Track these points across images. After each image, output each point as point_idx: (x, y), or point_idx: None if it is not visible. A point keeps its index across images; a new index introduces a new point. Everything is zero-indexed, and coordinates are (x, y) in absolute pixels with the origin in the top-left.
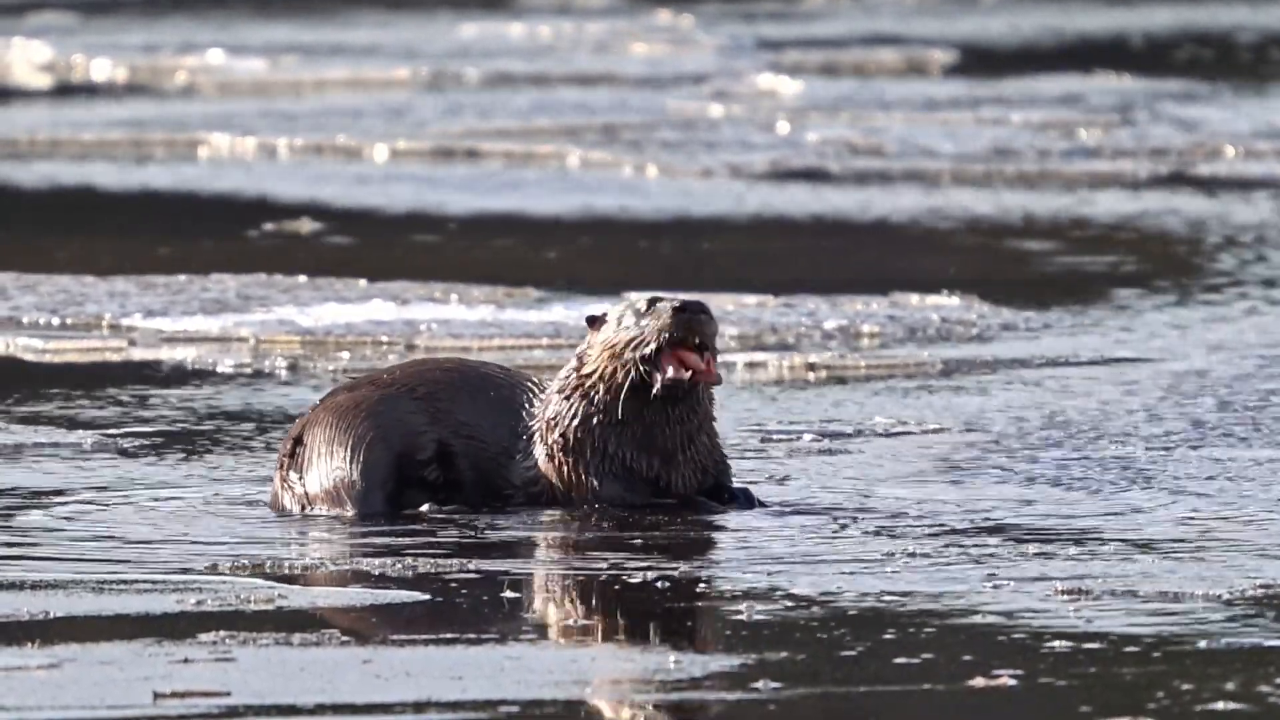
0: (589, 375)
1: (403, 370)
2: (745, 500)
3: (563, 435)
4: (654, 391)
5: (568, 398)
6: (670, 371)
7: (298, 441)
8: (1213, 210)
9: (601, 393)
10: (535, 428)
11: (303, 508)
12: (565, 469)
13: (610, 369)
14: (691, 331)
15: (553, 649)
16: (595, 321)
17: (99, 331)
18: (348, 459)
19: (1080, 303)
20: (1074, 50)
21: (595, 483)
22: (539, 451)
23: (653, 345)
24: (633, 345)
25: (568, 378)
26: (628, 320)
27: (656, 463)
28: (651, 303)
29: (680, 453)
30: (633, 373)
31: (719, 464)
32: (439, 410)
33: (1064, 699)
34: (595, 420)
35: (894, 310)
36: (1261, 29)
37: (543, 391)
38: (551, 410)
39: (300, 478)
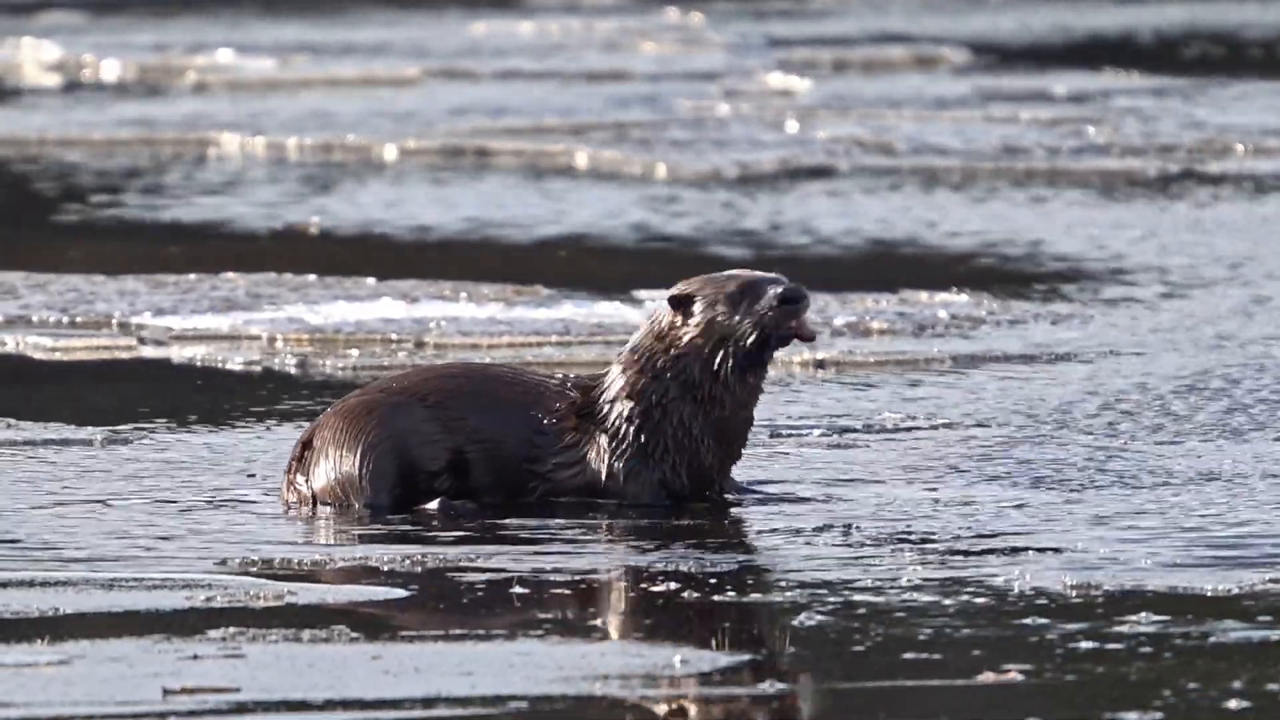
0: (683, 356)
1: (411, 378)
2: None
3: (645, 409)
4: (766, 358)
5: (655, 376)
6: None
7: (307, 445)
8: (1222, 206)
9: (697, 373)
10: (601, 403)
11: (311, 510)
12: (625, 442)
13: (710, 356)
14: (795, 322)
15: (562, 645)
16: (681, 304)
17: (108, 330)
18: (356, 464)
19: (1090, 299)
20: (1084, 48)
21: (649, 469)
22: (588, 431)
23: (753, 338)
24: (735, 339)
25: (650, 357)
26: (722, 309)
27: (720, 452)
28: (745, 289)
29: (737, 443)
30: (735, 362)
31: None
32: (451, 418)
33: (1072, 694)
34: (690, 397)
35: (903, 307)
36: (1271, 26)
37: (564, 384)
38: (627, 385)
39: (308, 480)
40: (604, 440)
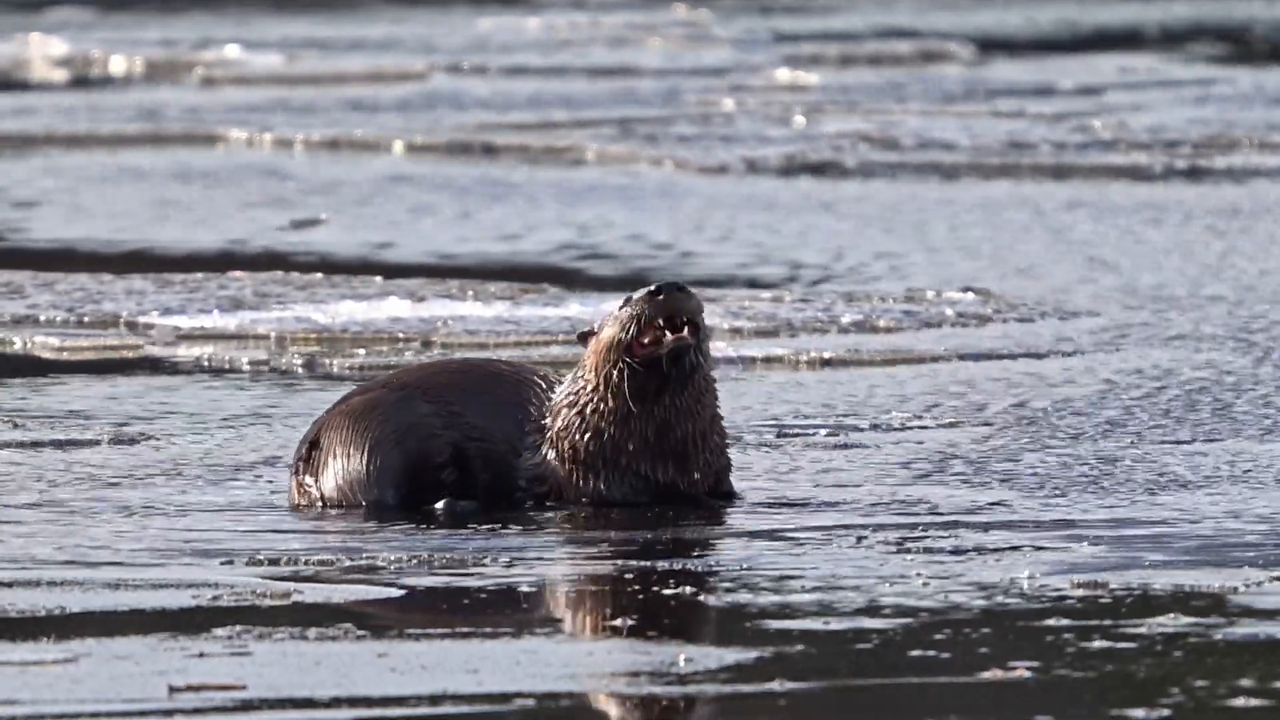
0: (591, 385)
1: (414, 373)
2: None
3: (573, 447)
4: (664, 366)
5: (579, 411)
6: (669, 338)
7: (313, 444)
8: (1227, 203)
9: (608, 400)
10: (547, 431)
11: (319, 509)
12: (576, 477)
13: (606, 372)
14: (670, 310)
15: (568, 643)
16: (587, 337)
17: (116, 329)
18: (364, 461)
19: (1094, 295)
20: (1089, 42)
21: (605, 490)
22: (549, 453)
23: (633, 330)
24: (618, 342)
25: (577, 391)
26: (610, 324)
27: (672, 469)
28: (628, 300)
29: (695, 456)
30: (625, 366)
31: (724, 468)
32: (452, 413)
33: (1079, 692)
34: (606, 435)
35: (910, 305)
36: (1277, 21)
37: (550, 387)
38: (561, 422)
39: (316, 480)
40: (553, 453)
